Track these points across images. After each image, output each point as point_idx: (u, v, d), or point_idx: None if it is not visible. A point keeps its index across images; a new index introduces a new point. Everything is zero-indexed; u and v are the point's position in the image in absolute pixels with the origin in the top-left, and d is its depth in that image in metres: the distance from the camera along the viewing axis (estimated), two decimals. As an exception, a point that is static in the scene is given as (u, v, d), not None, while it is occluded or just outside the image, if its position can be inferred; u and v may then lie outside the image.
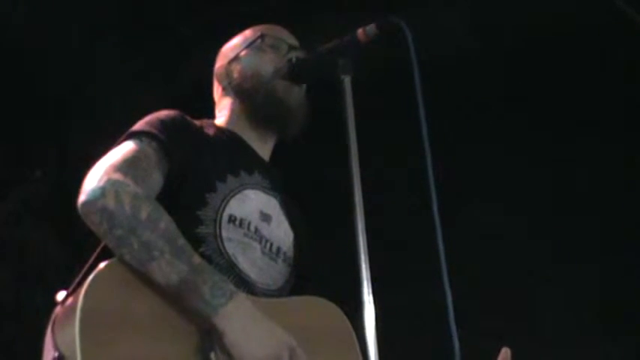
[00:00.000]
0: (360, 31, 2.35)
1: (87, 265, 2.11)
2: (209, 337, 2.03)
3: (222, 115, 2.59)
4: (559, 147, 4.88)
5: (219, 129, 2.52)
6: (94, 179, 2.10)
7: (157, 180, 2.22)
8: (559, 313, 4.83)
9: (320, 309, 2.32)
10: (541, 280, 4.86)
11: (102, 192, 2.06)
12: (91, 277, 1.96)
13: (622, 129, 4.81)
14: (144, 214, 2.05)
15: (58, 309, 2.06)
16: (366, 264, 2.15)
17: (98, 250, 2.16)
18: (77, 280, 2.07)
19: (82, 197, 2.08)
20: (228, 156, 2.42)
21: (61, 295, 2.07)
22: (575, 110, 4.76)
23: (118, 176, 2.11)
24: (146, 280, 2.02)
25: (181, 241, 2.07)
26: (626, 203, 4.79)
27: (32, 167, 5.26)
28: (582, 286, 4.71)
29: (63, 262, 5.03)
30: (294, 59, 2.51)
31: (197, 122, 2.47)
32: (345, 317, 2.33)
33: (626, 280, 4.72)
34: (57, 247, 5.23)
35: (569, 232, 4.76)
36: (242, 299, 2.06)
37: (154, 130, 2.28)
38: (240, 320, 2.02)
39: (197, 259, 2.06)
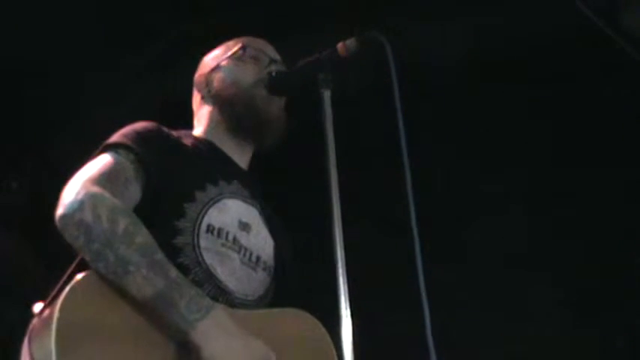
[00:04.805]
0: (340, 45, 2.36)
1: (64, 277, 2.10)
2: (185, 350, 2.02)
3: (200, 125, 2.59)
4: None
5: (196, 139, 2.53)
6: (71, 192, 2.09)
7: (134, 192, 2.22)
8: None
9: (299, 321, 2.32)
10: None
11: (80, 205, 2.05)
12: (67, 288, 1.96)
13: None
14: (121, 228, 2.04)
15: (34, 320, 2.04)
16: (343, 277, 2.14)
17: (75, 262, 2.14)
18: (54, 291, 2.06)
19: (60, 210, 2.08)
20: (206, 166, 2.42)
21: (37, 307, 2.06)
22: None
23: (96, 189, 2.10)
24: (123, 292, 2.02)
25: (158, 255, 2.06)
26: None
27: (8, 178, 5.22)
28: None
29: (38, 274, 5.00)
30: (274, 72, 2.52)
31: (174, 133, 2.47)
32: (323, 330, 2.33)
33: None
34: (32, 259, 5.19)
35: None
36: (219, 313, 2.06)
37: (130, 142, 2.28)
38: (216, 335, 2.01)
39: (174, 273, 2.06)
